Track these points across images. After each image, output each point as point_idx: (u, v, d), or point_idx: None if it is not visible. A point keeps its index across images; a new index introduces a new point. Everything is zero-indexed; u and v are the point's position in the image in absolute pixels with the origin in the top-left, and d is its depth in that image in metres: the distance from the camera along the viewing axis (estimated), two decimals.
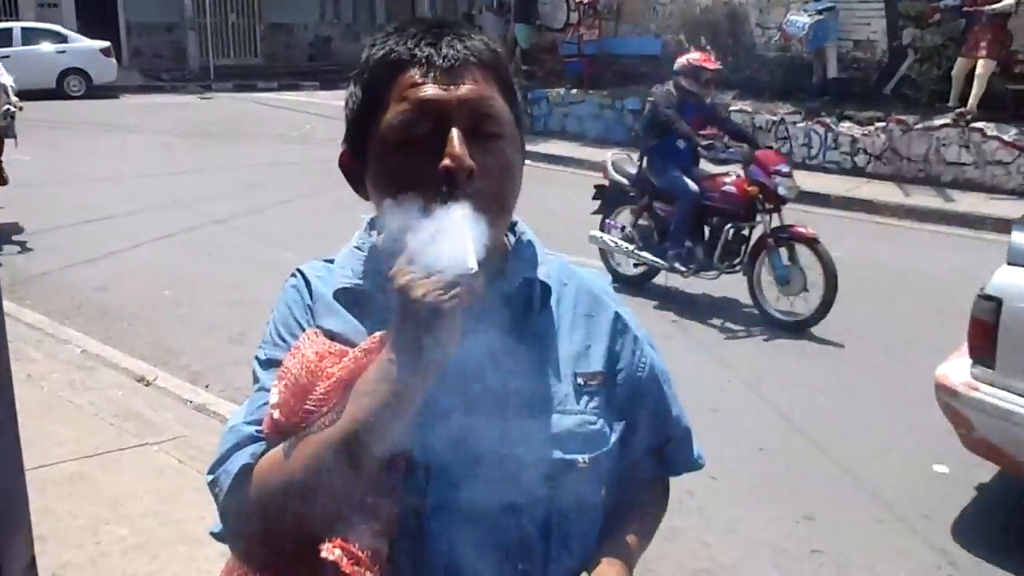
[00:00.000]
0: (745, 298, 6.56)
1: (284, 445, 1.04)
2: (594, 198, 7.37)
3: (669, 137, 6.58)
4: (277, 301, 1.21)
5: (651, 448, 1.31)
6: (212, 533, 1.15)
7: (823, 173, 11.63)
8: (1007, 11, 10.60)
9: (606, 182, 7.26)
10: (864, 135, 11.49)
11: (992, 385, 3.70)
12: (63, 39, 20.14)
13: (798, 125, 12.07)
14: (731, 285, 6.73)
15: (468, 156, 1.04)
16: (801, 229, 6.30)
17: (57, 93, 19.07)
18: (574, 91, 14.68)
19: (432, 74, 1.07)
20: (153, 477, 3.98)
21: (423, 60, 1.08)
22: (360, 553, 1.00)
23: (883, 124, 11.33)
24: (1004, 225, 9.36)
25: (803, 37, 12.22)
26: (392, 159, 1.08)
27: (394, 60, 1.09)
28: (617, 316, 1.25)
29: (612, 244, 7.02)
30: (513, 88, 1.16)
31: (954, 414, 3.88)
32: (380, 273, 1.03)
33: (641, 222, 6.96)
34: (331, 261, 1.23)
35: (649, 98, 7.19)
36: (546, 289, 1.19)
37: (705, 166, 6.86)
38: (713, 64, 6.91)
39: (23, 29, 19.84)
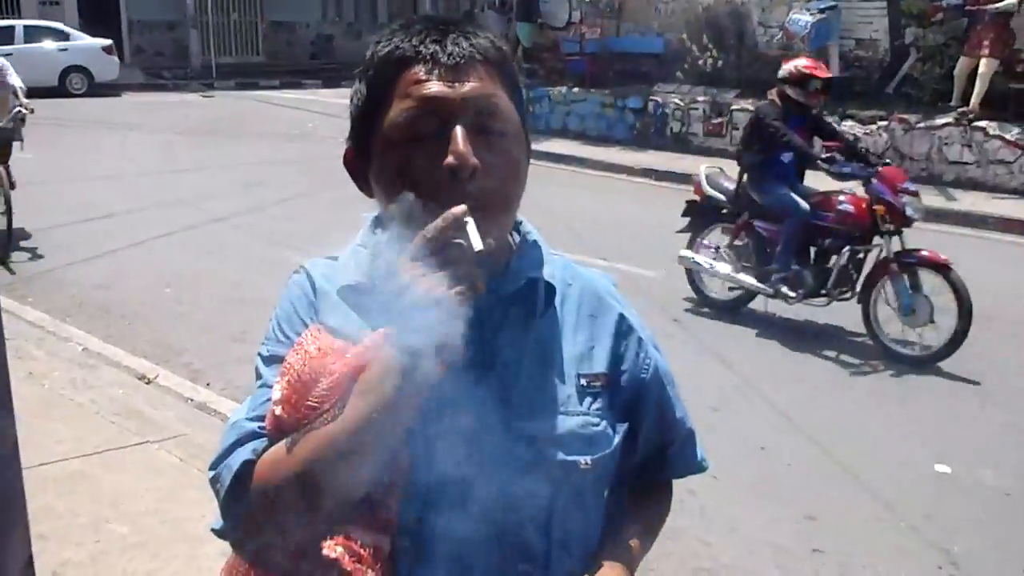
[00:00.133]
0: (852, 326, 6.05)
1: (286, 441, 1.04)
2: (684, 215, 6.77)
3: (774, 151, 6.10)
4: (281, 297, 1.21)
5: (654, 450, 1.30)
6: (213, 530, 1.15)
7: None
8: (1010, 10, 10.58)
9: (697, 198, 6.70)
10: (866, 134, 11.47)
11: None
12: (65, 37, 20.16)
13: None
14: (837, 312, 6.13)
15: (472, 154, 1.03)
16: (929, 253, 5.65)
17: (59, 91, 19.08)
18: (576, 89, 14.68)
19: (437, 71, 1.07)
20: (154, 475, 3.98)
21: (428, 57, 1.07)
22: (362, 550, 1.00)
23: (885, 123, 11.32)
24: (1006, 224, 9.38)
25: (805, 36, 12.21)
26: (396, 156, 1.08)
27: (399, 57, 1.09)
28: (621, 317, 1.24)
29: (706, 266, 6.47)
30: (519, 86, 1.16)
31: None
32: (384, 271, 1.03)
33: (738, 242, 6.42)
34: (335, 258, 1.23)
35: (751, 108, 6.81)
36: (550, 289, 1.18)
37: (810, 182, 6.41)
38: (824, 71, 6.37)
39: (25, 27, 19.85)
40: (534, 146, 1.22)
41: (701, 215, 6.71)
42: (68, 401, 4.73)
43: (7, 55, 17.60)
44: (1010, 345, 5.99)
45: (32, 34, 19.67)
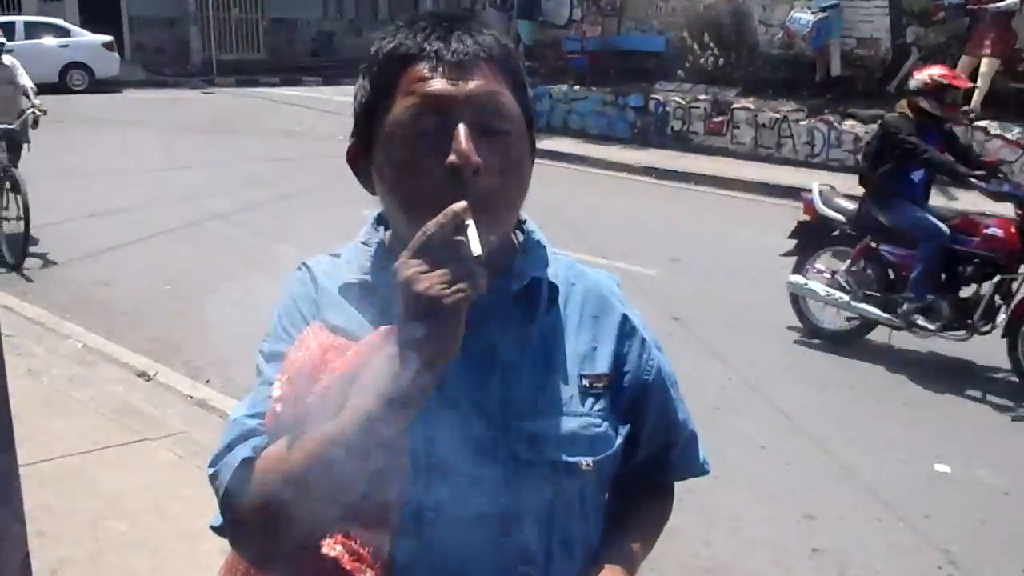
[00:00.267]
0: (987, 360, 5.59)
1: (286, 439, 1.03)
2: (791, 236, 6.21)
3: (906, 169, 5.61)
4: (282, 294, 1.20)
5: (656, 452, 1.29)
6: (212, 527, 1.14)
7: (826, 171, 11.59)
8: (1011, 9, 10.58)
9: (808, 217, 6.13)
10: (867, 133, 11.42)
11: None
12: (66, 33, 20.14)
13: (801, 123, 12.06)
14: (965, 344, 5.63)
15: (475, 152, 1.02)
16: None
17: (60, 87, 19.05)
18: (577, 88, 14.67)
19: (441, 69, 1.05)
20: (153, 473, 3.98)
21: (432, 54, 1.06)
22: (361, 549, 0.99)
23: None
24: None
25: (806, 34, 12.20)
26: (398, 154, 1.07)
27: (403, 54, 1.08)
28: (625, 318, 1.23)
29: (822, 293, 5.88)
30: (524, 84, 1.14)
31: None
32: (386, 268, 1.02)
33: (857, 268, 5.85)
34: (337, 256, 1.22)
35: (879, 122, 6.13)
36: (553, 289, 1.17)
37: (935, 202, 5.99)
38: (963, 81, 5.95)
39: (26, 23, 19.83)
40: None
41: (812, 237, 6.14)
42: (67, 398, 4.73)
43: (8, 51, 17.72)
44: None
45: (33, 30, 19.65)
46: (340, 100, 17.69)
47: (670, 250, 8.11)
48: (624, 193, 11.25)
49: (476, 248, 0.94)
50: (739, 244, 8.59)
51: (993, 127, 10.57)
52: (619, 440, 1.19)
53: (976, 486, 4.23)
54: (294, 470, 1.00)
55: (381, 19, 27.90)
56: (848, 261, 5.90)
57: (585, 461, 1.14)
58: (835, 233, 6.02)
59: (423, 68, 1.06)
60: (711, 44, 13.59)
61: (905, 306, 5.56)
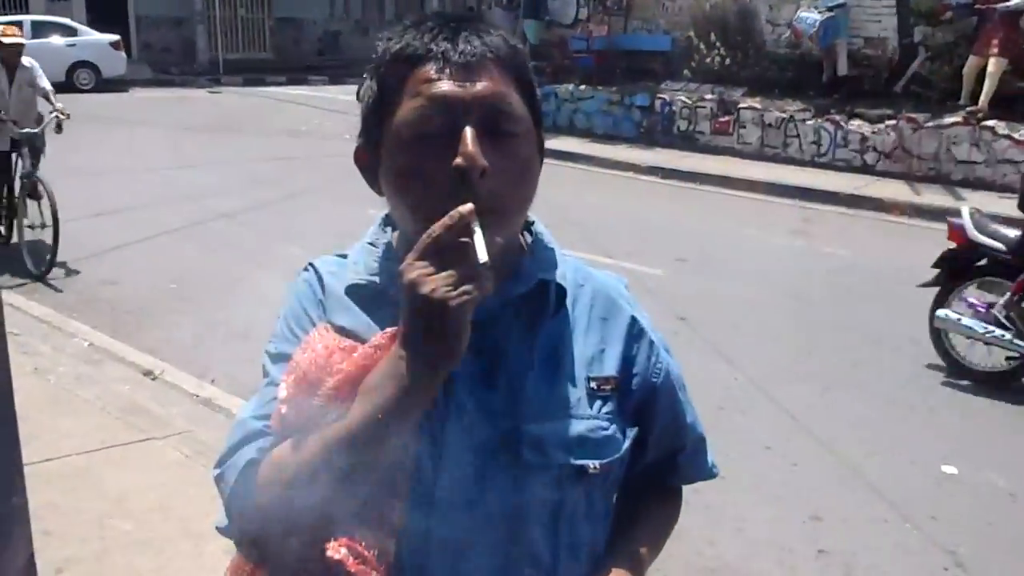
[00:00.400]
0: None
1: (291, 441, 1.03)
2: (935, 265, 5.65)
3: None
4: (288, 295, 1.20)
5: (664, 455, 1.29)
6: (218, 528, 1.14)
7: (832, 171, 11.60)
8: (1019, 9, 10.53)
9: (955, 244, 5.59)
10: (874, 133, 11.44)
11: None
12: (73, 32, 20.19)
13: (808, 122, 12.03)
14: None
15: (481, 155, 1.01)
16: None
17: (66, 86, 19.06)
18: (583, 87, 14.65)
19: (448, 70, 1.05)
20: (158, 472, 3.99)
21: (439, 55, 1.06)
22: (366, 552, 0.99)
23: (893, 122, 11.29)
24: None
25: (813, 34, 12.16)
26: (405, 155, 1.06)
27: (410, 54, 1.07)
28: (633, 320, 1.22)
29: (980, 331, 5.29)
30: (533, 85, 1.14)
31: None
32: (393, 270, 1.02)
33: (1017, 300, 5.28)
34: (344, 256, 1.22)
35: None
36: (561, 291, 1.17)
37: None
38: None
39: (33, 22, 19.87)
40: None
41: (959, 266, 5.60)
42: (74, 397, 4.73)
43: None
44: None
45: (40, 29, 19.69)
46: (346, 99, 17.70)
47: (676, 250, 8.10)
48: (630, 193, 11.24)
49: (482, 255, 0.93)
50: (745, 244, 8.58)
51: (1001, 127, 10.53)
52: (627, 443, 1.18)
53: (983, 488, 4.21)
54: (299, 472, 1.00)
55: (387, 19, 27.93)
56: (1008, 294, 5.31)
57: (593, 464, 1.13)
58: (984, 262, 5.51)
59: (430, 69, 1.05)
60: (717, 43, 13.56)
61: None
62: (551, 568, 1.14)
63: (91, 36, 20.45)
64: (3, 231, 7.76)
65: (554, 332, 1.16)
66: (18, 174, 7.31)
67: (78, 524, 3.50)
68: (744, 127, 12.70)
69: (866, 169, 11.47)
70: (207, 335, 5.93)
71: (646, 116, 13.83)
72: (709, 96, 13.18)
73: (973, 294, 5.59)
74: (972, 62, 10.87)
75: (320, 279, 1.18)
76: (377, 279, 1.14)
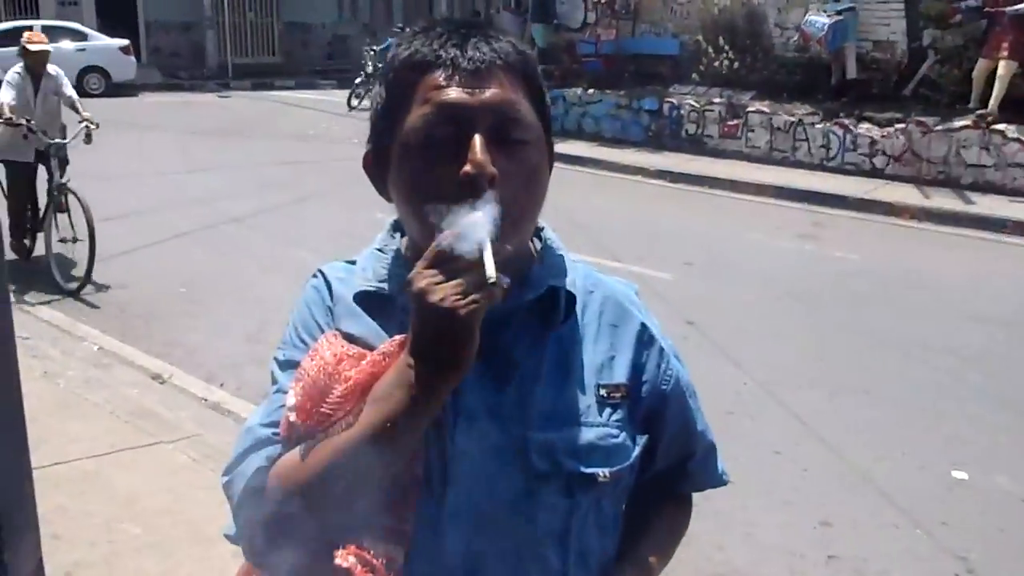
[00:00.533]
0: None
1: (299, 449, 1.03)
2: None
3: None
4: (297, 301, 1.20)
5: (674, 463, 1.28)
6: (226, 535, 1.14)
7: (841, 175, 11.56)
8: None
9: None
10: (883, 136, 11.41)
11: None
12: (83, 37, 20.28)
13: (816, 126, 12.00)
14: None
15: (490, 163, 1.01)
16: None
17: (77, 91, 19.01)
18: (591, 91, 14.64)
19: (456, 77, 1.05)
20: (167, 476, 3.99)
21: (448, 62, 1.05)
22: (375, 561, 0.99)
23: (903, 125, 11.25)
24: None
25: (822, 37, 12.13)
26: (414, 162, 1.06)
27: (419, 61, 1.07)
28: (643, 327, 1.21)
29: None
30: (543, 91, 1.13)
31: None
32: (402, 277, 1.02)
33: None
34: (353, 263, 1.21)
35: None
36: (571, 298, 1.16)
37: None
38: None
39: (43, 27, 19.93)
40: None
41: None
42: (83, 401, 4.74)
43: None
44: None
45: (50, 34, 19.62)
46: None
47: (684, 254, 8.08)
48: (638, 197, 11.23)
49: (491, 272, 0.93)
50: (754, 248, 8.56)
51: (1011, 131, 10.48)
52: (637, 451, 1.18)
53: (994, 493, 4.19)
54: (307, 480, 1.00)
55: (395, 23, 27.96)
56: None
57: (602, 472, 1.12)
58: None
59: (439, 76, 1.05)
60: (726, 47, 13.54)
61: None
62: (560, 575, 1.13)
63: (101, 41, 20.54)
64: (27, 244, 7.45)
65: (564, 339, 1.15)
66: (44, 186, 7.11)
67: (87, 528, 3.51)
68: (752, 131, 12.68)
69: (875, 173, 11.44)
70: (216, 339, 5.94)
71: (654, 120, 13.81)
72: (717, 100, 13.16)
73: None
74: (982, 65, 10.83)
75: (329, 286, 1.18)
76: (386, 286, 1.14)
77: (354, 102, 18.18)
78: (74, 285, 6.79)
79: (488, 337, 0.97)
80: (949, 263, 8.30)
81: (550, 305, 1.15)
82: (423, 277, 0.94)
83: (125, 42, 20.72)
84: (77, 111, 7.07)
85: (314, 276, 1.22)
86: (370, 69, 18.34)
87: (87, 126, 6.86)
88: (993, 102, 10.57)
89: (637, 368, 1.19)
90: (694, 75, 13.98)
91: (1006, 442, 4.71)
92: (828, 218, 9.97)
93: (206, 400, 4.89)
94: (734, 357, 5.67)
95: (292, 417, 1.04)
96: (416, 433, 0.99)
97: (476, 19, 1.16)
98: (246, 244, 8.29)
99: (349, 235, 7.03)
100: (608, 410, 1.15)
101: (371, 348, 1.06)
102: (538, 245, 1.20)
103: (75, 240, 6.85)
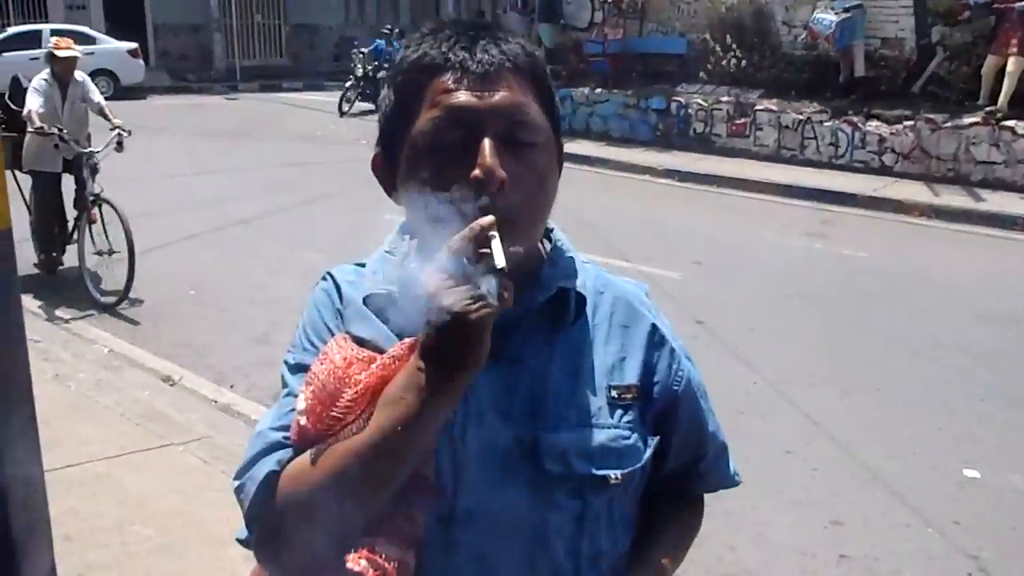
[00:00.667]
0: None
1: (310, 453, 1.03)
2: None
3: None
4: (307, 304, 1.20)
5: (685, 464, 1.27)
6: (238, 540, 1.14)
7: (850, 172, 11.53)
8: None
9: None
10: (892, 134, 11.37)
11: None
12: (91, 40, 20.32)
13: (825, 124, 11.97)
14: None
15: (499, 166, 1.01)
16: None
17: None
18: (598, 90, 14.63)
19: (465, 80, 1.04)
20: (178, 477, 4.00)
21: (457, 65, 1.05)
22: (387, 564, 0.98)
23: (911, 123, 11.21)
24: None
25: (830, 35, 12.10)
26: (423, 166, 1.06)
27: (427, 64, 1.07)
28: (654, 328, 1.21)
29: None
30: (552, 92, 1.13)
31: None
32: (412, 280, 1.01)
33: None
34: (362, 265, 1.21)
35: None
36: (581, 299, 1.16)
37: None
38: None
39: (52, 31, 20.01)
40: None
41: None
42: (94, 403, 4.76)
43: (34, 59, 17.87)
44: None
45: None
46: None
47: (693, 253, 8.07)
48: (646, 196, 11.22)
49: (500, 261, 0.93)
50: (762, 247, 8.55)
51: (1020, 127, 10.43)
52: (648, 452, 1.17)
53: (1006, 492, 4.17)
54: (319, 484, 1.00)
55: (403, 24, 27.96)
56: None
57: (614, 474, 1.12)
58: None
59: (448, 79, 1.05)
60: (733, 45, 13.51)
61: None
62: None
63: (109, 44, 20.60)
64: (55, 256, 7.14)
65: (574, 340, 1.15)
66: (70, 197, 6.92)
67: (99, 530, 3.52)
68: (761, 129, 12.65)
69: (884, 170, 11.40)
70: (225, 341, 5.95)
71: (662, 119, 13.80)
72: (725, 98, 13.14)
73: None
74: (991, 62, 10.79)
75: (338, 288, 1.18)
76: (395, 289, 1.14)
77: (345, 107, 17.62)
78: (111, 299, 6.53)
79: (498, 339, 0.97)
80: (959, 261, 8.26)
81: (560, 306, 1.14)
82: (434, 279, 0.94)
83: (133, 45, 20.79)
84: (107, 118, 6.86)
85: (323, 279, 1.21)
86: (360, 73, 17.97)
87: (119, 133, 6.66)
88: (1003, 98, 10.52)
89: (648, 369, 1.19)
90: (702, 74, 13.96)
91: (1017, 440, 4.69)
92: (837, 216, 9.95)
93: (216, 402, 4.90)
94: (743, 356, 5.65)
95: (302, 421, 1.04)
96: (427, 436, 0.99)
97: (485, 20, 1.16)
98: (254, 246, 8.31)
99: (357, 237, 6.99)
100: (619, 411, 1.15)
101: (381, 351, 1.06)
102: (548, 246, 1.20)
103: (111, 253, 6.58)
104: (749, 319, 6.41)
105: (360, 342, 1.09)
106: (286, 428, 1.08)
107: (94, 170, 6.64)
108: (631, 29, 15.25)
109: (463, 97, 1.04)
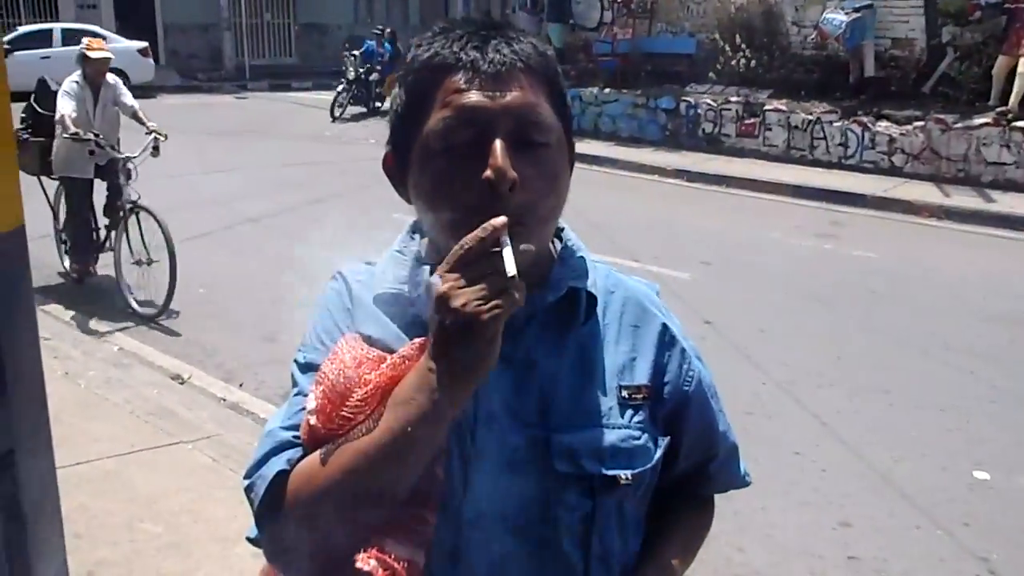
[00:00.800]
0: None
1: (320, 452, 1.03)
2: None
3: None
4: (317, 304, 1.20)
5: (696, 465, 1.27)
6: (248, 538, 1.14)
7: (860, 173, 11.50)
8: None
9: None
10: (902, 134, 11.33)
11: None
12: (102, 40, 20.40)
13: (835, 124, 11.94)
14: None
15: (511, 167, 1.00)
16: None
17: None
18: (607, 90, 14.63)
19: (477, 80, 1.04)
20: (187, 475, 4.01)
21: (468, 65, 1.04)
22: (396, 564, 0.98)
23: (922, 123, 11.18)
24: None
25: (840, 35, 12.08)
26: (434, 166, 1.05)
27: (439, 64, 1.06)
28: (664, 328, 1.20)
29: None
30: (563, 92, 1.12)
31: None
32: (422, 279, 1.01)
33: None
34: (372, 264, 1.21)
35: None
36: (591, 299, 1.16)
37: None
38: None
39: (63, 30, 20.11)
40: None
41: None
42: (103, 401, 4.78)
43: (45, 58, 17.95)
44: None
45: (70, 37, 19.85)
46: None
47: (702, 253, 8.06)
48: (655, 196, 11.20)
49: (511, 268, 0.92)
50: (772, 247, 8.53)
51: None
52: (658, 453, 1.17)
53: (1016, 493, 4.15)
54: (328, 484, 1.00)
55: (412, 23, 28.02)
56: None
57: (624, 475, 1.12)
58: None
59: (459, 79, 1.04)
60: (743, 45, 13.49)
61: None
62: None
63: (119, 43, 20.60)
64: (91, 266, 6.94)
65: (585, 340, 1.14)
66: (102, 203, 6.75)
67: (108, 527, 3.53)
68: (770, 129, 12.63)
69: (894, 171, 11.37)
70: (234, 339, 5.96)
71: (671, 119, 13.78)
72: (735, 98, 13.12)
73: None
74: (1002, 62, 10.74)
75: (348, 288, 1.18)
76: (406, 288, 1.14)
77: (337, 111, 17.03)
78: (151, 311, 6.30)
79: (509, 338, 0.97)
80: (969, 262, 8.23)
81: (571, 306, 1.14)
82: (445, 280, 0.94)
83: (143, 44, 20.84)
84: (142, 121, 6.66)
85: (333, 278, 1.21)
86: (351, 76, 17.32)
87: (155, 137, 6.48)
88: (1013, 99, 10.48)
89: (659, 369, 1.18)
90: (711, 74, 13.94)
91: None
92: (846, 217, 9.92)
93: (225, 400, 4.92)
94: (752, 357, 5.64)
95: (312, 420, 1.04)
96: (437, 437, 0.99)
97: (497, 20, 1.15)
98: (264, 245, 8.32)
99: (366, 236, 7.02)
100: (630, 412, 1.14)
101: (391, 351, 1.06)
102: (558, 246, 1.19)
103: (150, 263, 6.35)
104: (758, 320, 6.39)
105: (370, 341, 1.09)
106: (296, 427, 1.08)
107: (129, 176, 6.46)
108: (640, 29, 15.24)
109: (475, 97, 1.03)
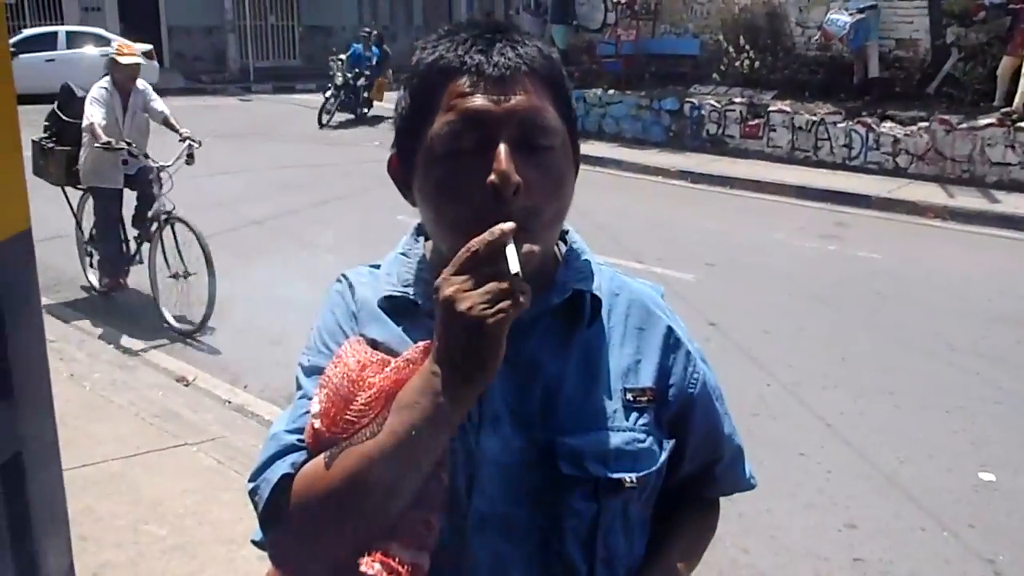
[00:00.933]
0: None
1: (324, 456, 1.03)
2: None
3: None
4: (321, 306, 1.20)
5: (701, 467, 1.27)
6: (253, 541, 1.14)
7: (864, 174, 11.49)
8: None
9: None
10: (906, 135, 11.31)
11: None
12: (106, 42, 20.33)
13: (839, 125, 11.93)
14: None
15: (515, 171, 1.00)
16: None
17: None
18: (611, 91, 14.62)
19: (482, 84, 1.03)
20: (192, 477, 4.02)
21: (473, 68, 1.04)
22: (400, 567, 0.98)
23: (926, 124, 11.16)
24: None
25: (844, 36, 12.06)
26: (439, 170, 1.05)
27: (443, 67, 1.06)
28: (669, 330, 1.20)
29: None
30: (569, 95, 1.12)
31: None
32: (427, 282, 1.01)
33: None
34: (377, 267, 1.21)
35: None
36: (596, 301, 1.15)
37: None
38: None
39: (67, 33, 20.17)
40: None
41: None
42: (108, 403, 4.78)
43: (50, 60, 18.00)
44: None
45: (74, 40, 19.96)
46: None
47: (706, 255, 8.05)
48: (659, 197, 11.20)
49: (515, 266, 0.92)
50: (776, 248, 8.52)
51: None
52: (663, 455, 1.16)
53: (1022, 495, 4.14)
54: (333, 487, 1.00)
55: (416, 25, 28.06)
56: None
57: (629, 477, 1.11)
58: None
59: (464, 83, 1.04)
60: (747, 46, 13.48)
61: None
62: None
63: None
64: (122, 279, 6.72)
65: (589, 343, 1.14)
66: (129, 214, 6.54)
67: (113, 529, 3.54)
68: (774, 130, 12.62)
69: (898, 172, 11.35)
70: (239, 341, 5.97)
71: (675, 120, 13.78)
72: (738, 99, 13.11)
73: None
74: (1006, 62, 10.73)
75: (352, 290, 1.18)
76: (411, 291, 1.13)
77: (324, 118, 16.43)
78: (189, 327, 6.05)
79: (513, 341, 0.97)
80: (974, 263, 8.21)
81: (575, 309, 1.14)
82: (450, 284, 0.94)
83: (148, 47, 20.81)
84: (174, 128, 6.45)
85: (338, 280, 1.21)
86: (339, 81, 16.69)
87: (190, 144, 6.27)
88: (1018, 99, 10.47)
89: (663, 372, 1.18)
90: (715, 75, 13.93)
91: None
92: (851, 218, 9.91)
93: (230, 402, 4.92)
94: (757, 358, 5.64)
95: (316, 424, 1.04)
96: (441, 440, 0.99)
97: (502, 22, 1.15)
98: (268, 246, 8.33)
99: (370, 238, 7.05)
100: (635, 414, 1.14)
101: (395, 354, 1.06)
102: (563, 248, 1.19)
103: (187, 276, 6.11)
104: (762, 321, 6.39)
105: (374, 344, 1.09)
106: (300, 430, 1.08)
107: (163, 185, 6.24)
108: (644, 30, 15.23)
109: (479, 101, 1.03)
